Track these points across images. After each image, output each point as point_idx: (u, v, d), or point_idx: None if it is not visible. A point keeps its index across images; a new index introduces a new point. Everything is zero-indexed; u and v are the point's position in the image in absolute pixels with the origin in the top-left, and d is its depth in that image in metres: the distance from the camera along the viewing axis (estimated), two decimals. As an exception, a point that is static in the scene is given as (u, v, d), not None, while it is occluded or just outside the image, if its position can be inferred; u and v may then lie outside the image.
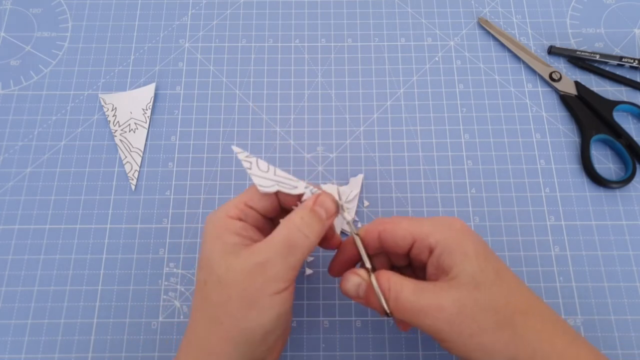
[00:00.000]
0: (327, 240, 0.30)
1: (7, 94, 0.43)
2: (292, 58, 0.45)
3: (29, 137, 0.42)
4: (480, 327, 0.25)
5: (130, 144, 0.41)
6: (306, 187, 0.28)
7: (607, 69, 0.44)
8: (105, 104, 0.43)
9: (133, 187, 0.40)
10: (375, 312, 0.36)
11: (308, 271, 0.37)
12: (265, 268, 0.25)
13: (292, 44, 0.45)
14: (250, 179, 0.29)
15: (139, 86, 0.44)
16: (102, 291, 0.37)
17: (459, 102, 0.43)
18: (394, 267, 0.32)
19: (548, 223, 0.39)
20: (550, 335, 0.26)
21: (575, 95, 0.42)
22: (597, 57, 0.43)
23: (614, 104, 0.41)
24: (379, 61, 0.45)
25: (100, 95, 0.43)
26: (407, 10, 0.47)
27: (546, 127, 0.42)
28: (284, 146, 0.41)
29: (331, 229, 0.30)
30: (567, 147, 0.41)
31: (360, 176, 0.40)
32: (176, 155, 0.41)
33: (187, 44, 0.45)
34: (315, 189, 0.28)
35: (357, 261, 0.30)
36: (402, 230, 0.28)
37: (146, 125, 0.42)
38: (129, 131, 0.42)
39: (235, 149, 0.29)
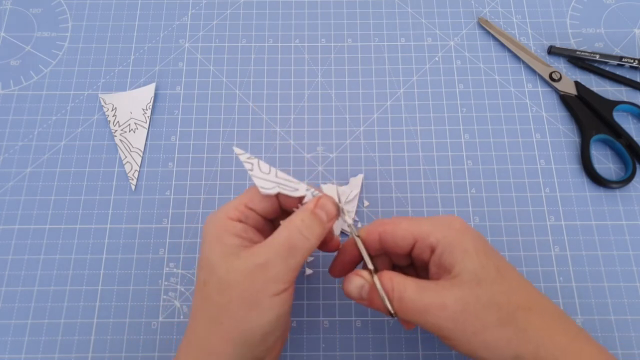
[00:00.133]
0: (325, 243, 0.30)
1: (7, 94, 0.43)
2: (292, 58, 0.45)
3: (29, 137, 0.42)
4: (483, 325, 0.25)
5: (130, 144, 0.41)
6: (307, 190, 0.28)
7: (607, 69, 0.44)
8: (105, 104, 0.43)
9: (133, 187, 0.40)
10: (375, 312, 0.36)
11: (308, 271, 0.37)
12: (266, 269, 0.26)
13: (292, 44, 0.45)
14: (250, 179, 0.29)
15: (139, 86, 0.44)
16: (102, 291, 0.37)
17: (459, 102, 0.43)
18: (395, 267, 0.32)
19: (548, 223, 0.39)
20: (553, 331, 0.26)
21: (575, 95, 0.42)
22: (597, 57, 0.43)
23: (614, 104, 0.41)
24: (379, 61, 0.45)
25: (100, 95, 0.43)
26: (407, 10, 0.47)
27: (546, 127, 0.42)
28: (284, 146, 0.41)
29: (330, 232, 0.30)
30: (567, 147, 0.41)
31: (360, 176, 0.40)
32: (176, 155, 0.41)
33: (187, 44, 0.45)
34: (317, 192, 0.28)
35: (358, 262, 0.30)
36: (402, 230, 0.28)
37: (146, 125, 0.42)
38: (129, 131, 0.42)
39: (236, 150, 0.29)
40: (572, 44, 0.45)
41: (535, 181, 0.40)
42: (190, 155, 0.41)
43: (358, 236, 0.29)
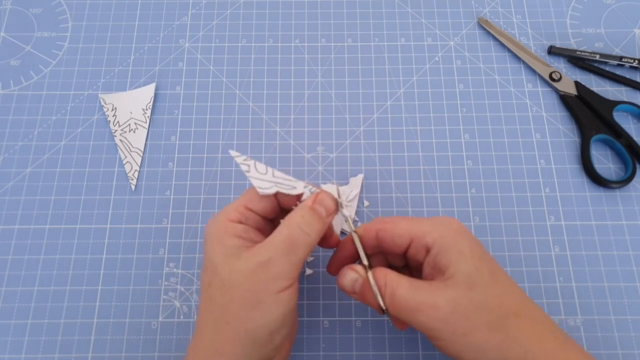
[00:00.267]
0: (325, 239, 0.31)
1: (7, 94, 0.43)
2: (292, 58, 0.45)
3: (29, 137, 0.42)
4: (473, 327, 0.25)
5: (130, 144, 0.41)
6: (305, 187, 0.29)
7: (607, 69, 0.44)
8: (105, 104, 0.43)
9: (133, 187, 0.40)
10: (375, 313, 0.36)
11: (308, 271, 0.37)
12: (268, 267, 0.26)
13: (292, 44, 0.45)
14: (250, 180, 0.29)
15: (139, 86, 0.44)
16: (102, 291, 0.37)
17: (459, 102, 0.43)
18: (391, 268, 0.32)
19: (548, 223, 0.39)
20: (542, 337, 0.26)
21: (575, 95, 0.42)
22: (597, 57, 0.43)
23: (614, 104, 0.41)
24: (379, 61, 0.45)
25: (100, 95, 0.43)
26: (407, 10, 0.47)
27: (546, 127, 0.42)
28: (284, 146, 0.41)
29: (330, 228, 0.30)
30: (567, 147, 0.41)
31: (360, 176, 0.40)
32: (176, 155, 0.41)
33: (187, 44, 0.45)
34: (314, 188, 0.29)
35: (355, 259, 0.31)
36: (399, 229, 0.28)
37: (146, 125, 0.42)
38: (129, 131, 0.42)
39: (232, 153, 0.29)
40: (572, 44, 0.45)
41: (535, 181, 0.40)
42: (190, 155, 0.41)
43: (355, 232, 0.29)
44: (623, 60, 0.43)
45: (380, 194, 0.40)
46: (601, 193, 0.40)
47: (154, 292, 0.37)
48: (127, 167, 0.40)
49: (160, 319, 0.36)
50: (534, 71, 0.44)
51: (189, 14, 0.47)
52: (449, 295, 0.26)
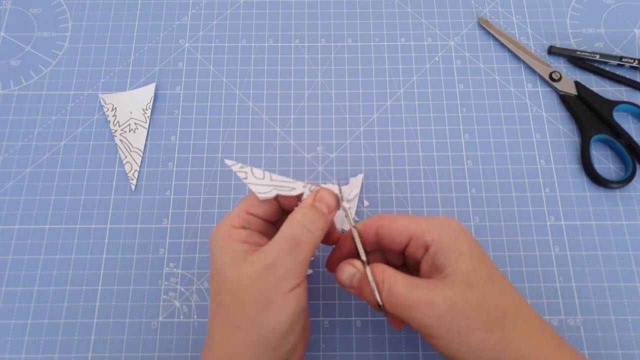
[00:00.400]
0: (328, 235, 0.31)
1: (7, 94, 0.43)
2: (292, 58, 0.45)
3: (29, 137, 0.42)
4: (469, 326, 0.25)
5: (130, 144, 0.41)
6: (304, 187, 0.29)
7: (607, 69, 0.44)
8: (105, 104, 0.43)
9: (133, 187, 0.40)
10: (375, 313, 0.36)
11: (308, 271, 0.37)
12: (274, 268, 0.26)
13: (292, 44, 0.45)
14: (248, 187, 0.29)
15: (139, 86, 0.44)
16: (102, 291, 0.37)
17: (459, 102, 0.43)
18: (389, 265, 0.32)
19: (548, 223, 0.39)
20: (538, 340, 0.26)
21: (575, 95, 0.42)
22: (597, 57, 0.43)
23: (614, 104, 0.41)
24: (379, 61, 0.45)
25: (100, 95, 0.43)
26: (407, 10, 0.47)
27: (546, 127, 0.42)
28: (284, 146, 0.41)
29: (332, 224, 0.30)
30: (567, 147, 0.41)
31: (360, 176, 0.40)
32: (176, 155, 0.41)
33: (187, 44, 0.45)
34: (314, 187, 0.29)
35: (354, 256, 0.31)
36: (399, 226, 0.28)
37: (146, 125, 0.42)
38: (129, 131, 0.42)
39: (228, 162, 0.29)
40: (572, 44, 0.45)
41: (535, 181, 0.40)
42: (190, 155, 0.41)
43: (355, 227, 0.29)
44: (623, 60, 0.43)
45: (380, 194, 0.40)
46: (601, 193, 0.40)
47: (154, 292, 0.37)
48: (127, 167, 0.40)
49: (160, 319, 0.36)
50: (534, 71, 0.44)
51: (189, 14, 0.47)
52: (446, 294, 0.26)
